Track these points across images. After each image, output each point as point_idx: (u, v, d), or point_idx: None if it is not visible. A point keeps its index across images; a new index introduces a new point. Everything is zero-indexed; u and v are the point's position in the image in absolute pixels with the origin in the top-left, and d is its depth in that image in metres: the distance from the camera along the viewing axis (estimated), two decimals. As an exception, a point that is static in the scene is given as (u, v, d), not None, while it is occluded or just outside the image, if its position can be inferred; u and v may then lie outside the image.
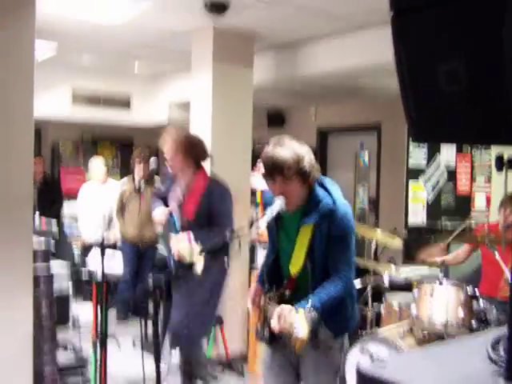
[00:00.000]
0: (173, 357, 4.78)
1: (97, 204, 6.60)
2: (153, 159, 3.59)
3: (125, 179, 6.33)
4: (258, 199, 4.95)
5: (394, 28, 1.11)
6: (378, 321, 4.34)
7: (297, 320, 2.23)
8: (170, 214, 3.64)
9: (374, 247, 4.57)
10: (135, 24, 5.10)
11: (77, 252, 7.56)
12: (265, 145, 2.51)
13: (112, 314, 5.97)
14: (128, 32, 5.40)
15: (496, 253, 3.78)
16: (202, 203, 3.51)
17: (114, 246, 6.37)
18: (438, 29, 1.05)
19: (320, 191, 2.61)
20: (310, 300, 2.35)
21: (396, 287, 4.86)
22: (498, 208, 4.29)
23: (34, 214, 5.00)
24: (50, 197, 7.30)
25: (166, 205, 3.71)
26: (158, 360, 2.35)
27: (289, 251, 2.58)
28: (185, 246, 3.01)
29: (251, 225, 2.55)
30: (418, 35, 1.09)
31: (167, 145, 3.58)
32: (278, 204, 2.53)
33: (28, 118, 3.55)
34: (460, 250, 4.63)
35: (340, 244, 2.53)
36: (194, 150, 3.58)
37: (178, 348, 4.34)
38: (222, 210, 3.50)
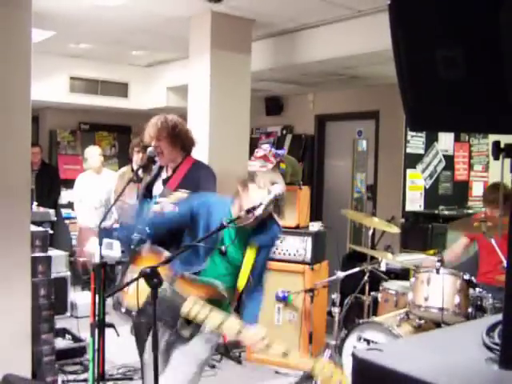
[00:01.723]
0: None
1: (92, 194, 6.60)
2: (150, 148, 3.56)
3: (124, 168, 6.32)
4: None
5: (391, 14, 1.10)
6: (374, 309, 4.37)
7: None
8: (150, 197, 3.63)
9: (371, 235, 4.58)
10: (132, 9, 5.08)
11: (75, 236, 7.59)
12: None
13: (109, 303, 5.99)
14: (125, 18, 5.38)
15: (493, 240, 3.79)
16: (186, 178, 3.46)
17: (110, 233, 6.39)
18: (436, 14, 1.04)
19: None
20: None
21: (393, 275, 4.88)
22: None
23: (32, 202, 5.00)
24: (48, 185, 7.28)
25: (151, 194, 3.68)
26: (155, 348, 2.35)
27: (232, 256, 2.73)
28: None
29: (248, 212, 2.56)
30: (415, 21, 1.08)
31: (150, 132, 3.55)
32: (279, 188, 2.59)
33: (25, 105, 3.54)
34: (455, 246, 4.64)
35: (268, 257, 2.87)
36: (177, 137, 3.53)
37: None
38: (204, 189, 3.46)
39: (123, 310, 2.66)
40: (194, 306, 2.51)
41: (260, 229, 2.72)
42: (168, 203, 3.32)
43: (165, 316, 2.54)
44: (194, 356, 2.66)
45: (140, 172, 3.71)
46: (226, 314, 2.53)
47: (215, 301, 2.58)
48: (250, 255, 2.72)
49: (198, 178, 3.46)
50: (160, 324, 2.52)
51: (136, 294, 2.32)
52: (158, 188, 3.63)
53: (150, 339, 2.63)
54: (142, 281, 2.24)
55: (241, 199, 2.69)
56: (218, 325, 2.48)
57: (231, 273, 2.74)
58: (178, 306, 2.52)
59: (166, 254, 2.59)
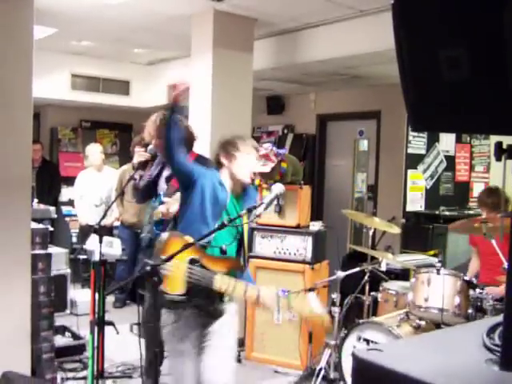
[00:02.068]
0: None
1: (93, 192, 6.61)
2: (150, 146, 3.57)
3: (125, 166, 6.33)
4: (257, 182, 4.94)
5: (394, 13, 1.10)
6: (374, 309, 4.36)
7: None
8: (155, 195, 3.63)
9: (371, 235, 4.57)
10: (134, 7, 5.07)
11: (75, 234, 7.60)
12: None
13: (109, 301, 6.00)
14: (127, 16, 5.37)
15: (493, 242, 3.79)
16: None
17: (110, 231, 6.40)
18: (440, 14, 1.04)
19: None
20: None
21: (393, 275, 4.88)
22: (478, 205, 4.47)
23: (32, 199, 4.99)
24: (49, 182, 7.28)
25: (156, 189, 3.67)
26: (155, 346, 2.35)
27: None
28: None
29: (250, 211, 2.56)
30: (419, 21, 1.08)
31: (150, 130, 3.54)
32: (280, 187, 2.61)
33: (27, 102, 3.54)
34: (472, 263, 4.71)
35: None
36: None
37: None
38: None
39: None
40: (222, 279, 2.59)
41: (245, 194, 2.91)
42: (173, 203, 3.32)
43: (200, 301, 2.62)
44: (232, 342, 2.86)
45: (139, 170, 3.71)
46: (244, 281, 2.68)
47: (232, 271, 2.69)
48: (244, 220, 2.79)
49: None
50: (192, 313, 2.63)
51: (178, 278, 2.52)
52: (161, 186, 3.63)
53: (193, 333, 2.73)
54: (178, 267, 2.48)
55: (230, 169, 2.85)
56: (244, 293, 2.62)
57: (235, 239, 2.82)
58: (210, 284, 2.59)
59: (187, 236, 2.61)
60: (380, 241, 5.82)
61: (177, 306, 2.61)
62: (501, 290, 4.02)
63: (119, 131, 9.21)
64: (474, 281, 3.83)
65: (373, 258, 4.41)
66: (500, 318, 1.25)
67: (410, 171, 7.00)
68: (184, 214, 2.80)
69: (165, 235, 2.68)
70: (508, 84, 0.97)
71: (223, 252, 2.70)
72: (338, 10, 4.99)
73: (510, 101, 0.98)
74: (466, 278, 3.75)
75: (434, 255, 5.46)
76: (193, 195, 2.75)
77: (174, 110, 2.81)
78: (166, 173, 3.63)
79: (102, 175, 6.69)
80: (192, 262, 2.58)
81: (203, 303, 2.64)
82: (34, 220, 3.94)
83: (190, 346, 2.71)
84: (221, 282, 2.59)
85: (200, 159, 3.57)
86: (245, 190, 2.91)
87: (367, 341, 3.71)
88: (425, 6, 1.06)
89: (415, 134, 6.96)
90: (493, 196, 4.43)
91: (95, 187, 6.61)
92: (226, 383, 2.74)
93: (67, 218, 7.98)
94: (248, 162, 2.85)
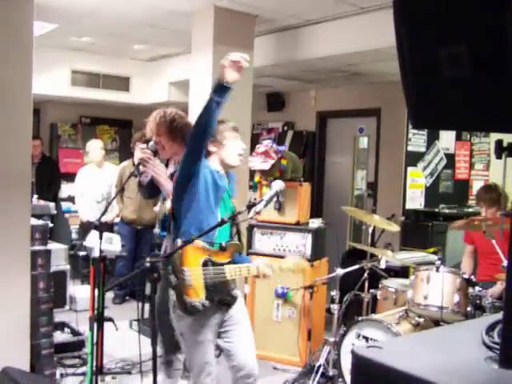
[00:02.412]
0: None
1: (94, 188, 6.60)
2: (151, 143, 3.56)
3: (125, 163, 6.33)
4: (257, 179, 4.94)
5: (395, 11, 1.10)
6: (374, 306, 4.37)
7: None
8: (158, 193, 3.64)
9: (371, 232, 4.58)
10: (135, 3, 5.07)
11: (74, 230, 7.60)
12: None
13: (109, 298, 6.00)
14: (127, 12, 5.36)
15: (493, 240, 3.80)
16: None
17: (110, 227, 6.39)
18: (441, 12, 1.03)
19: None
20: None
21: (392, 273, 4.88)
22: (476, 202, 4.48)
23: (32, 195, 4.99)
24: (48, 178, 7.28)
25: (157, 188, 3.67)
26: (154, 342, 2.36)
27: (230, 205, 2.90)
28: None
29: (250, 208, 2.56)
30: (420, 18, 1.07)
31: (151, 127, 3.53)
32: (280, 184, 2.63)
33: (27, 98, 3.53)
34: (464, 260, 4.71)
35: None
36: (176, 131, 3.51)
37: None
38: None
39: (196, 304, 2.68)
40: (230, 270, 2.74)
41: (229, 177, 2.97)
42: None
43: (220, 295, 2.74)
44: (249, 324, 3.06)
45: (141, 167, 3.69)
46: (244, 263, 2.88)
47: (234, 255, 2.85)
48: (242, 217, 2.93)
49: None
50: (212, 306, 2.70)
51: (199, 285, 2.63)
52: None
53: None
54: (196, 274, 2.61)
55: (219, 155, 2.90)
56: (248, 273, 2.84)
57: (233, 235, 2.91)
58: (223, 277, 2.72)
59: (197, 241, 2.66)
60: (379, 238, 5.82)
61: (204, 311, 2.67)
62: (499, 288, 4.04)
63: (119, 127, 9.20)
64: (473, 278, 3.83)
65: (372, 255, 4.41)
66: (499, 315, 1.26)
67: (409, 169, 7.00)
68: (189, 206, 2.76)
69: (178, 242, 2.69)
70: (509, 82, 0.97)
71: (223, 249, 2.72)
72: (339, 7, 4.98)
73: (511, 98, 0.98)
74: (466, 275, 3.76)
75: (434, 253, 5.47)
76: (197, 183, 2.73)
77: (224, 90, 2.62)
78: (169, 170, 3.63)
79: (103, 171, 6.68)
80: (205, 264, 2.67)
81: (222, 296, 2.76)
82: (34, 216, 3.93)
83: (210, 336, 2.78)
84: (230, 272, 2.73)
85: None
86: (227, 173, 2.97)
87: (366, 338, 3.71)
88: (426, 3, 1.06)
89: (415, 131, 6.95)
90: (491, 192, 4.46)
91: (96, 183, 6.60)
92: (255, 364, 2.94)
93: (67, 215, 7.98)
94: (235, 146, 2.92)
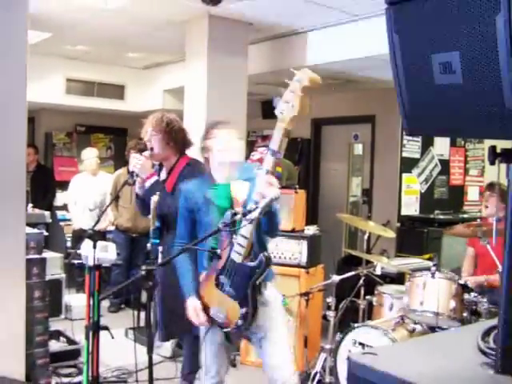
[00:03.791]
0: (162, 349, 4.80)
1: (87, 196, 6.59)
2: (146, 152, 3.56)
3: (120, 171, 6.33)
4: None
5: (388, 18, 1.10)
6: (369, 312, 4.36)
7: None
8: None
9: (366, 239, 4.58)
10: (129, 11, 5.07)
11: (69, 239, 7.57)
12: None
13: (104, 306, 5.98)
14: (122, 20, 5.37)
15: (488, 246, 3.80)
16: (180, 179, 3.42)
17: (103, 235, 6.38)
18: (433, 20, 1.04)
19: None
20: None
21: (388, 279, 4.88)
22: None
23: (27, 204, 4.97)
24: (43, 186, 7.26)
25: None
26: (150, 350, 2.35)
27: (224, 207, 2.80)
28: None
29: (244, 215, 2.55)
30: (412, 26, 1.08)
31: (146, 127, 3.53)
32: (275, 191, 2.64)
33: (21, 106, 3.52)
34: (466, 263, 4.69)
35: None
36: (170, 134, 3.51)
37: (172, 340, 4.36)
38: None
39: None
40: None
41: (244, 173, 2.90)
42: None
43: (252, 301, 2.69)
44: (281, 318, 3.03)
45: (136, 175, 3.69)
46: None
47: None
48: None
49: (191, 178, 3.44)
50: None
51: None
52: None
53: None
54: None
55: (215, 157, 2.86)
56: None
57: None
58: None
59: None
60: (375, 245, 5.83)
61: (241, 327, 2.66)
62: (480, 280, 4.05)
63: (114, 136, 9.20)
64: (469, 284, 3.83)
65: (368, 261, 4.41)
66: (494, 321, 1.26)
67: (404, 175, 7.02)
68: (198, 229, 2.87)
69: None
70: (501, 88, 0.98)
71: (220, 257, 2.72)
72: (333, 15, 5.01)
73: (503, 106, 0.99)
74: (461, 281, 3.76)
75: (429, 259, 5.47)
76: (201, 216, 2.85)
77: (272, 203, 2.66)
78: (162, 176, 3.63)
79: (97, 180, 6.67)
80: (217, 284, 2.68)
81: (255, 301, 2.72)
82: (29, 225, 3.92)
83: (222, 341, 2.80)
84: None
85: (192, 163, 3.56)
86: (241, 170, 2.89)
87: (362, 345, 3.70)
88: (418, 12, 1.07)
89: (410, 138, 6.98)
90: (497, 186, 4.38)
91: (89, 192, 6.60)
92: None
93: (62, 223, 7.95)
94: (228, 142, 2.87)
